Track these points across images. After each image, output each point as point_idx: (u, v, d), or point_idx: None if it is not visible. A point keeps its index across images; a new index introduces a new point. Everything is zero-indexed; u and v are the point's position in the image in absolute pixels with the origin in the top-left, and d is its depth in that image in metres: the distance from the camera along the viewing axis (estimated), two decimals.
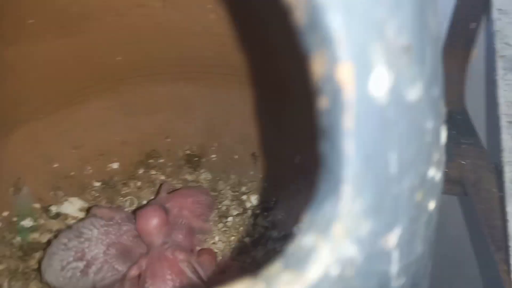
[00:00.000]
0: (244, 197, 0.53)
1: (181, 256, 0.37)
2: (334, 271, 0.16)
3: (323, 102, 0.16)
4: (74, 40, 0.48)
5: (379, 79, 0.15)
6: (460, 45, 0.71)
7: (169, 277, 0.35)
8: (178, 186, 0.55)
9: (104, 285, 0.39)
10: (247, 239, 0.48)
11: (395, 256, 0.20)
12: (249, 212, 0.51)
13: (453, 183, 0.60)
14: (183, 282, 0.36)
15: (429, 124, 0.20)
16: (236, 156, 0.58)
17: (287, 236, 0.49)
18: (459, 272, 0.71)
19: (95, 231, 0.41)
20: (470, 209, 0.61)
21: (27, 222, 0.47)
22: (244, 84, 0.55)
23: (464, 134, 0.67)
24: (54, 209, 0.49)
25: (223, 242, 0.49)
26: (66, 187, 0.52)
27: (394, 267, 0.20)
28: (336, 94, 0.15)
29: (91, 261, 0.40)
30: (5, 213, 0.47)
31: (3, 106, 0.48)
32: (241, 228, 0.50)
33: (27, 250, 0.45)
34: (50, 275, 0.40)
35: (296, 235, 0.17)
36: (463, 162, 0.61)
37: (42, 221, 0.48)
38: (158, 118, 0.59)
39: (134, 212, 0.42)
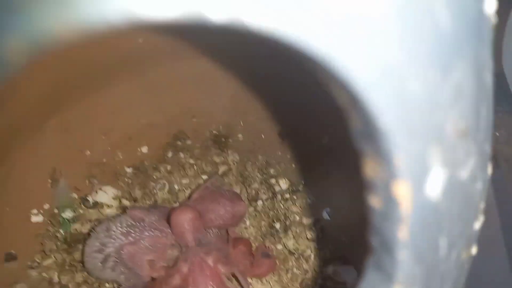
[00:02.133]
0: (273, 180, 0.54)
1: (223, 269, 0.38)
2: None
3: (375, 201, 0.15)
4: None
5: (436, 180, 0.15)
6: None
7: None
8: (207, 169, 0.56)
9: (125, 285, 0.41)
10: (277, 225, 0.50)
11: None
12: (279, 196, 0.52)
13: None
14: None
15: (479, 185, 0.19)
16: (263, 136, 0.58)
17: (318, 222, 0.50)
18: (486, 250, 0.71)
19: (119, 229, 0.42)
20: (501, 182, 0.60)
21: (67, 214, 0.49)
22: (270, 57, 0.53)
23: (500, 100, 0.64)
24: (90, 198, 0.51)
25: (253, 227, 0.50)
26: (99, 174, 0.53)
27: None
28: (391, 203, 0.14)
29: (107, 257, 0.41)
30: (46, 206, 0.49)
31: (34, 100, 0.48)
32: (271, 212, 0.51)
33: (70, 242, 0.47)
34: (84, 260, 0.43)
35: None
36: (497, 133, 0.59)
37: (81, 212, 0.50)
38: (183, 97, 0.58)
39: (170, 213, 0.43)
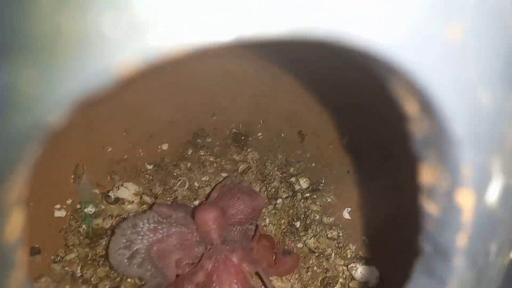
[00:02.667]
0: (293, 179, 0.54)
1: (248, 268, 0.39)
2: None
3: (432, 208, 0.15)
4: None
5: (495, 189, 0.15)
6: None
7: (235, 286, 0.37)
8: (227, 167, 0.56)
9: (149, 283, 0.41)
10: (297, 223, 0.50)
11: None
12: (299, 195, 0.52)
13: None
14: None
15: None
16: (283, 134, 0.58)
17: (337, 221, 0.50)
18: None
19: (146, 226, 0.42)
20: None
21: (89, 209, 0.49)
22: (291, 60, 0.53)
23: None
24: (112, 194, 0.51)
25: (273, 225, 0.50)
26: (121, 171, 0.54)
27: None
28: (452, 212, 0.14)
29: (135, 253, 0.41)
30: (69, 201, 0.49)
31: None
32: (291, 211, 0.51)
33: (93, 237, 0.48)
34: (109, 255, 0.43)
35: None
36: None
37: (103, 207, 0.51)
38: (204, 96, 0.59)
39: (193, 212, 0.44)
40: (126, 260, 0.41)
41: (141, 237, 0.41)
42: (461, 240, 0.14)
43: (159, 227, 0.42)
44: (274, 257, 0.45)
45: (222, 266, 0.39)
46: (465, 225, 0.14)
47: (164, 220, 0.43)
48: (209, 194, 0.51)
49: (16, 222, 0.14)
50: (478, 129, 0.13)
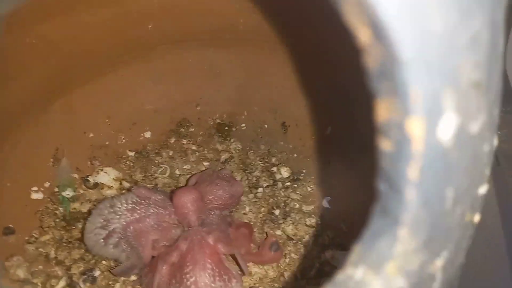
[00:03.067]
0: (274, 168, 0.54)
1: (223, 249, 0.38)
2: None
3: (386, 144, 0.16)
4: (109, 10, 0.48)
5: (448, 125, 0.15)
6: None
7: (209, 266, 0.37)
8: (209, 156, 0.56)
9: (124, 263, 0.41)
10: (277, 211, 0.50)
11: (438, 276, 0.20)
12: (279, 184, 0.52)
13: None
14: (222, 272, 0.37)
15: (486, 147, 0.19)
16: (266, 126, 0.58)
17: (316, 210, 0.50)
18: (484, 241, 0.71)
19: (124, 206, 0.42)
20: (501, 180, 0.60)
21: (67, 193, 0.49)
22: (276, 51, 0.54)
23: (503, 100, 0.64)
24: (91, 179, 0.51)
25: (253, 213, 0.50)
26: (101, 157, 0.53)
27: (435, 285, 0.21)
28: (403, 143, 0.14)
29: (111, 233, 0.41)
30: (47, 184, 0.49)
31: (40, 80, 0.49)
32: (271, 199, 0.51)
33: (69, 220, 0.47)
34: (85, 236, 0.42)
35: (346, 265, 0.18)
36: (499, 132, 0.59)
37: (81, 191, 0.50)
38: (188, 85, 0.59)
39: (171, 196, 0.43)
40: (102, 240, 0.41)
41: (118, 217, 0.41)
42: (412, 172, 0.15)
43: (137, 208, 0.42)
44: (256, 247, 0.45)
45: (197, 247, 0.39)
46: (415, 156, 0.14)
47: (143, 201, 0.42)
48: (188, 180, 0.51)
49: None
50: (429, 54, 0.13)
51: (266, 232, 0.47)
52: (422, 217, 0.16)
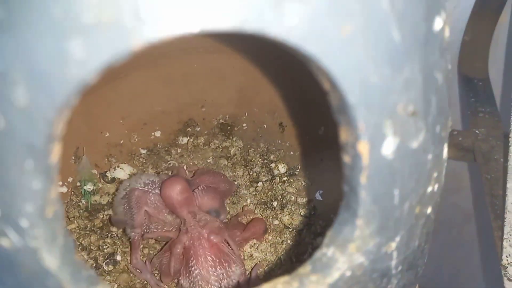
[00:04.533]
0: (272, 165, 0.60)
1: (215, 239, 0.44)
2: (347, 274, 0.23)
3: (346, 159, 0.22)
4: None
5: (389, 145, 0.21)
6: (488, 10, 0.72)
7: (209, 258, 0.43)
8: (214, 153, 0.62)
9: (120, 217, 0.51)
10: (275, 203, 0.56)
11: (395, 254, 0.27)
12: (277, 178, 0.58)
13: (465, 151, 0.64)
14: (223, 259, 0.44)
15: (430, 156, 0.25)
16: (265, 125, 0.64)
17: (310, 202, 0.56)
18: (457, 235, 0.77)
19: (144, 180, 0.51)
20: (477, 175, 0.66)
21: (88, 187, 0.55)
22: (274, 61, 0.59)
23: (483, 102, 0.70)
24: (109, 174, 0.57)
25: (253, 205, 0.56)
26: (117, 154, 0.59)
27: (393, 262, 0.27)
28: (356, 158, 0.20)
29: (126, 193, 0.51)
30: (70, 179, 0.55)
31: None
32: (270, 192, 0.57)
33: (91, 211, 0.54)
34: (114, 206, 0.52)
35: (321, 246, 0.24)
36: (477, 131, 0.65)
37: (100, 185, 0.56)
38: (194, 88, 0.65)
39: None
40: (121, 198, 0.51)
41: (135, 183, 0.51)
42: (363, 178, 0.20)
43: (151, 184, 0.50)
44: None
45: (197, 243, 0.45)
46: (364, 167, 0.20)
47: (156, 182, 0.50)
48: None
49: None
50: (370, 98, 0.19)
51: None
52: (374, 211, 0.22)
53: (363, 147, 0.20)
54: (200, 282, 0.42)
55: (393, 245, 0.25)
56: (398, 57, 0.20)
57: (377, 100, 0.19)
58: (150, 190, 0.50)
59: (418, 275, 0.36)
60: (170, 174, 0.57)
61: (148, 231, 0.49)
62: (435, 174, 0.27)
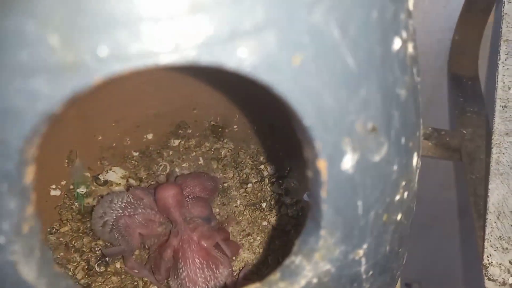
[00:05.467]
0: (262, 166, 0.61)
1: (206, 243, 0.46)
2: (314, 281, 0.25)
3: (309, 174, 0.23)
4: None
5: (348, 160, 0.22)
6: (478, 9, 0.72)
7: (197, 260, 0.45)
8: (205, 155, 0.63)
9: (115, 248, 0.51)
10: (264, 204, 0.57)
11: (363, 261, 0.28)
12: (266, 180, 0.60)
13: (453, 151, 0.65)
14: (210, 262, 0.45)
15: (395, 167, 0.27)
16: (255, 127, 0.65)
17: (298, 203, 0.57)
18: (440, 232, 0.79)
19: (119, 203, 0.51)
20: (462, 174, 0.67)
21: (81, 189, 0.57)
22: None
23: (471, 101, 0.71)
24: (101, 177, 0.58)
25: (243, 206, 0.58)
26: (109, 157, 0.61)
27: (363, 268, 0.28)
28: (316, 174, 0.22)
29: (106, 223, 0.51)
30: (63, 182, 0.56)
31: None
32: (259, 194, 0.58)
33: (84, 213, 0.55)
34: (91, 221, 0.53)
35: (290, 254, 0.25)
36: (464, 131, 0.66)
37: (93, 188, 0.58)
38: (186, 91, 0.66)
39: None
40: (100, 227, 0.50)
41: (112, 211, 0.50)
42: (323, 192, 0.22)
43: (129, 207, 0.51)
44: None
45: (186, 245, 0.46)
46: (324, 182, 0.21)
47: (135, 202, 0.51)
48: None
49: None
50: (326, 119, 0.20)
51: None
52: (337, 222, 0.23)
53: (321, 164, 0.21)
54: (188, 284, 0.44)
55: (361, 252, 0.27)
56: (354, 80, 0.21)
57: (333, 121, 0.21)
58: (132, 212, 0.51)
59: (394, 276, 0.37)
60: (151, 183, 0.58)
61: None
62: (403, 183, 0.28)
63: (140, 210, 0.51)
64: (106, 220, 0.51)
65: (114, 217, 0.51)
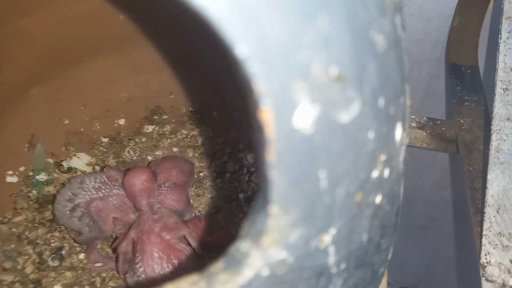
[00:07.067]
0: (241, 155, 0.56)
1: (168, 236, 0.41)
2: (264, 272, 0.19)
3: (254, 135, 0.18)
4: (84, 3, 0.50)
5: (303, 114, 0.17)
6: None
7: (156, 254, 0.39)
8: (180, 143, 0.58)
9: (87, 235, 0.45)
10: (241, 195, 0.52)
11: (331, 250, 0.23)
12: (245, 169, 0.55)
13: (448, 142, 0.60)
14: (172, 256, 0.40)
15: (371, 134, 0.21)
16: (236, 114, 0.60)
17: None
18: (436, 234, 0.74)
19: (92, 184, 0.46)
20: (458, 167, 0.62)
21: (41, 176, 0.52)
22: None
23: (469, 90, 0.66)
24: (65, 163, 0.54)
25: (219, 197, 0.53)
26: (76, 143, 0.56)
27: (331, 259, 0.23)
28: (260, 131, 0.17)
29: (76, 207, 0.45)
30: (22, 168, 0.51)
31: (19, 70, 0.51)
32: (236, 184, 0.53)
33: (42, 202, 0.50)
34: (54, 206, 0.47)
35: (237, 238, 0.20)
36: (461, 121, 0.61)
37: (55, 175, 0.53)
38: (163, 74, 0.61)
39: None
40: (68, 212, 0.44)
41: (84, 193, 0.45)
42: (269, 155, 0.17)
43: (103, 187, 0.45)
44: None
45: (145, 236, 0.41)
46: (269, 140, 0.16)
47: (110, 183, 0.45)
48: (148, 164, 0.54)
49: None
50: (268, 51, 0.15)
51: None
52: (293, 196, 0.18)
53: (264, 115, 0.16)
54: (145, 281, 0.38)
55: (327, 238, 0.22)
56: (310, 5, 0.16)
57: (280, 55, 0.16)
58: (106, 193, 0.46)
59: (377, 273, 0.32)
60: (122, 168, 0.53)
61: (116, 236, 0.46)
62: (383, 157, 0.23)
63: (115, 191, 0.46)
64: (78, 203, 0.45)
65: (88, 198, 0.45)
